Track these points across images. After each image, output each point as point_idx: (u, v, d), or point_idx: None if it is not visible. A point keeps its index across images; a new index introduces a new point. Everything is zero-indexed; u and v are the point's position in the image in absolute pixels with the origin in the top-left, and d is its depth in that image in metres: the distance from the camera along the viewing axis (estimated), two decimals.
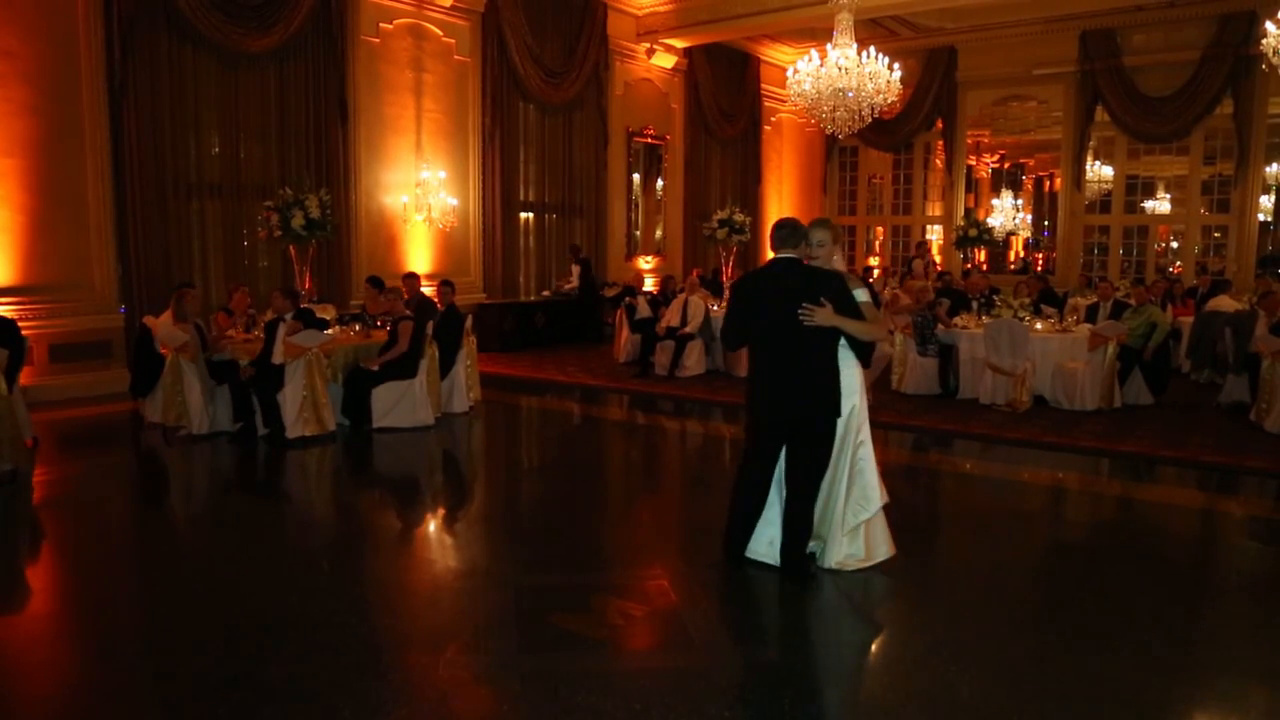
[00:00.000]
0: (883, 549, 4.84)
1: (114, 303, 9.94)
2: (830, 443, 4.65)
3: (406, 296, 9.27)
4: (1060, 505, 6.84)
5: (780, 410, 4.64)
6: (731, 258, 17.06)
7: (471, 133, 13.65)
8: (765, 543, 4.86)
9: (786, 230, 4.64)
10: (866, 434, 4.73)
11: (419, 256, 12.99)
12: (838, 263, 4.79)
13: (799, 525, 4.69)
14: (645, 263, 17.35)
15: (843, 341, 4.64)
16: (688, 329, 11.58)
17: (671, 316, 11.89)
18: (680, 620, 4.29)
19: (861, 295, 4.60)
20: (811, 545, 4.85)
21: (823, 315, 4.43)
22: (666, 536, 5.77)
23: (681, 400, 10.29)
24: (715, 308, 12.53)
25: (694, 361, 11.59)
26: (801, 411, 4.61)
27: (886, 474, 7.38)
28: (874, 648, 4.21)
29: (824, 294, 4.47)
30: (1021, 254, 21.84)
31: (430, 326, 8.79)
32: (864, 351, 4.66)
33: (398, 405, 8.38)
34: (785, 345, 4.57)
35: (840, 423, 4.66)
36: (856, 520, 4.72)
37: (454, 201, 13.19)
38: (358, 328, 9.31)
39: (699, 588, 4.70)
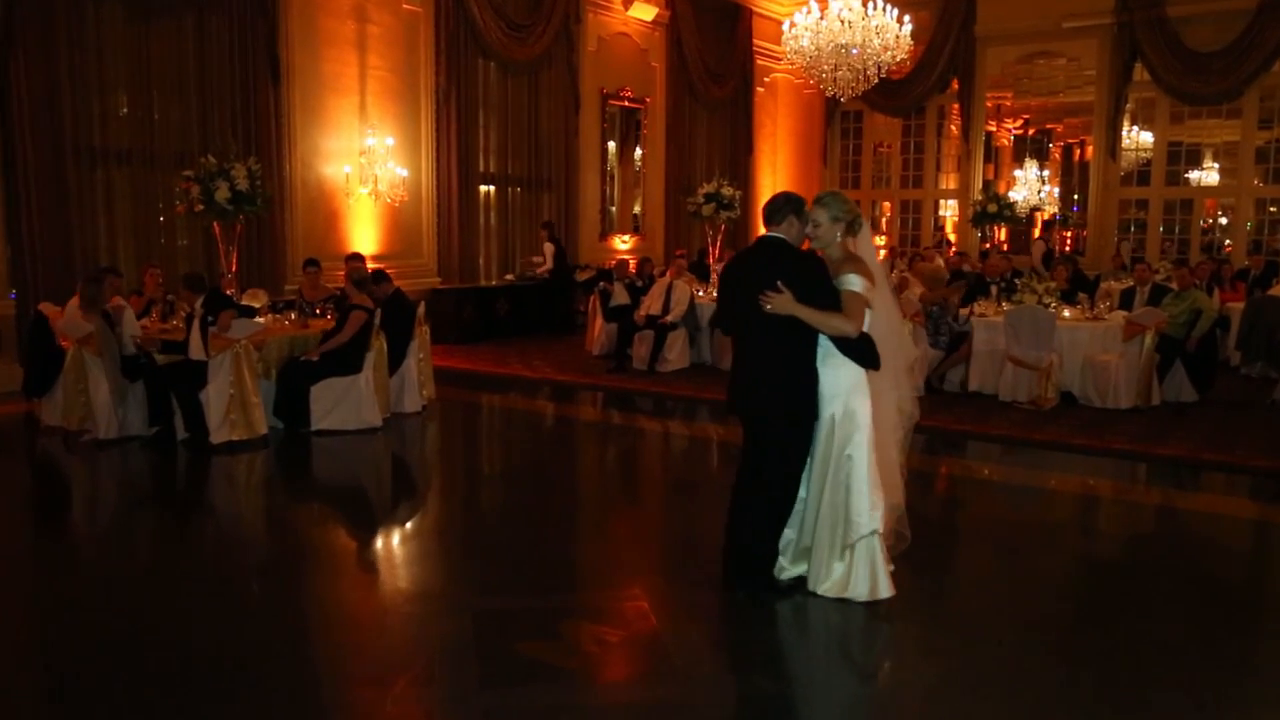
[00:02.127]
0: (881, 586, 4.67)
1: (3, 288, 9.79)
2: (792, 448, 4.64)
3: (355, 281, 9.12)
4: (1091, 516, 6.88)
5: (739, 404, 4.78)
6: (719, 237, 17.09)
7: (424, 94, 13.57)
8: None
9: (772, 206, 4.72)
10: (860, 447, 4.55)
11: (364, 235, 12.90)
12: (857, 245, 4.65)
13: (747, 534, 4.75)
14: (622, 242, 17.32)
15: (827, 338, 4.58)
16: (670, 317, 11.57)
17: (652, 303, 11.87)
18: (663, 647, 4.28)
19: (853, 284, 4.47)
20: (786, 567, 4.86)
21: (779, 303, 4.44)
22: (647, 552, 5.75)
23: (663, 398, 10.28)
24: (701, 293, 12.52)
25: (677, 354, 11.58)
26: (755, 408, 4.70)
27: None
28: (880, 677, 4.21)
29: (786, 278, 4.47)
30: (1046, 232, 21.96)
31: (377, 316, 8.73)
32: (855, 350, 4.51)
33: (339, 405, 8.32)
34: (750, 334, 4.69)
35: (822, 429, 4.59)
36: (843, 543, 4.63)
37: (404, 173, 13.11)
38: (294, 316, 9.23)
39: (684, 610, 4.69)
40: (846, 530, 4.60)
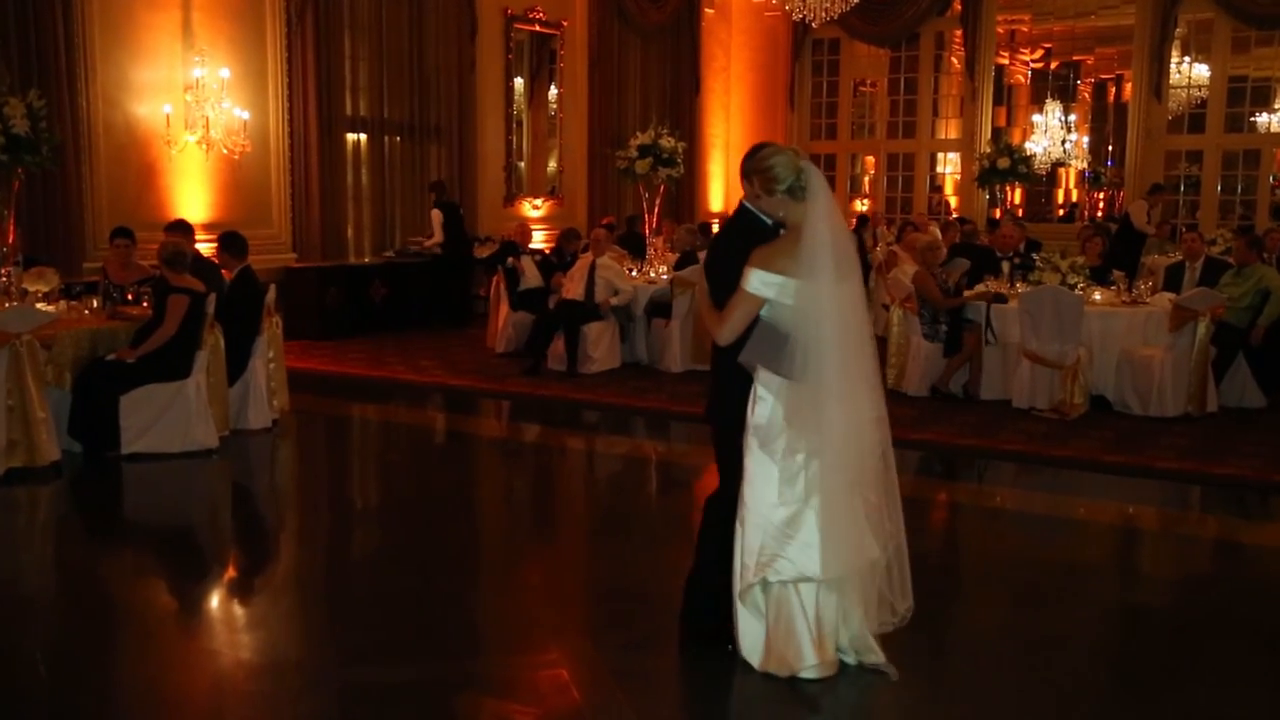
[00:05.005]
0: (800, 655, 4.55)
1: None
2: (726, 459, 4.77)
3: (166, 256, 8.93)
4: (1132, 554, 7.01)
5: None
6: (658, 201, 17.09)
7: (270, 11, 13.43)
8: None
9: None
10: (752, 469, 4.56)
11: (192, 197, 12.72)
12: (807, 216, 4.54)
13: (696, 569, 4.92)
14: (534, 208, 17.27)
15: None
16: (615, 301, 11.62)
17: (572, 286, 11.86)
18: None
19: (748, 280, 4.44)
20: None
21: (699, 291, 4.78)
22: (566, 605, 5.74)
23: (587, 407, 10.30)
24: (635, 273, 12.52)
25: (604, 351, 11.59)
26: (706, 408, 5.04)
27: None
28: None
29: (708, 260, 4.79)
30: (1074, 193, 22.32)
31: (212, 302, 8.60)
32: (745, 357, 4.59)
33: (161, 420, 8.19)
34: None
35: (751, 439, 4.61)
36: (737, 586, 4.61)
37: (244, 115, 12.93)
38: (96, 303, 9.06)
39: (612, 678, 4.67)
40: (741, 572, 4.57)
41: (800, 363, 4.45)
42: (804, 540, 4.50)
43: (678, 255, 12.51)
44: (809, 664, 4.52)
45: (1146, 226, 15.55)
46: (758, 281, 4.44)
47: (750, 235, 4.64)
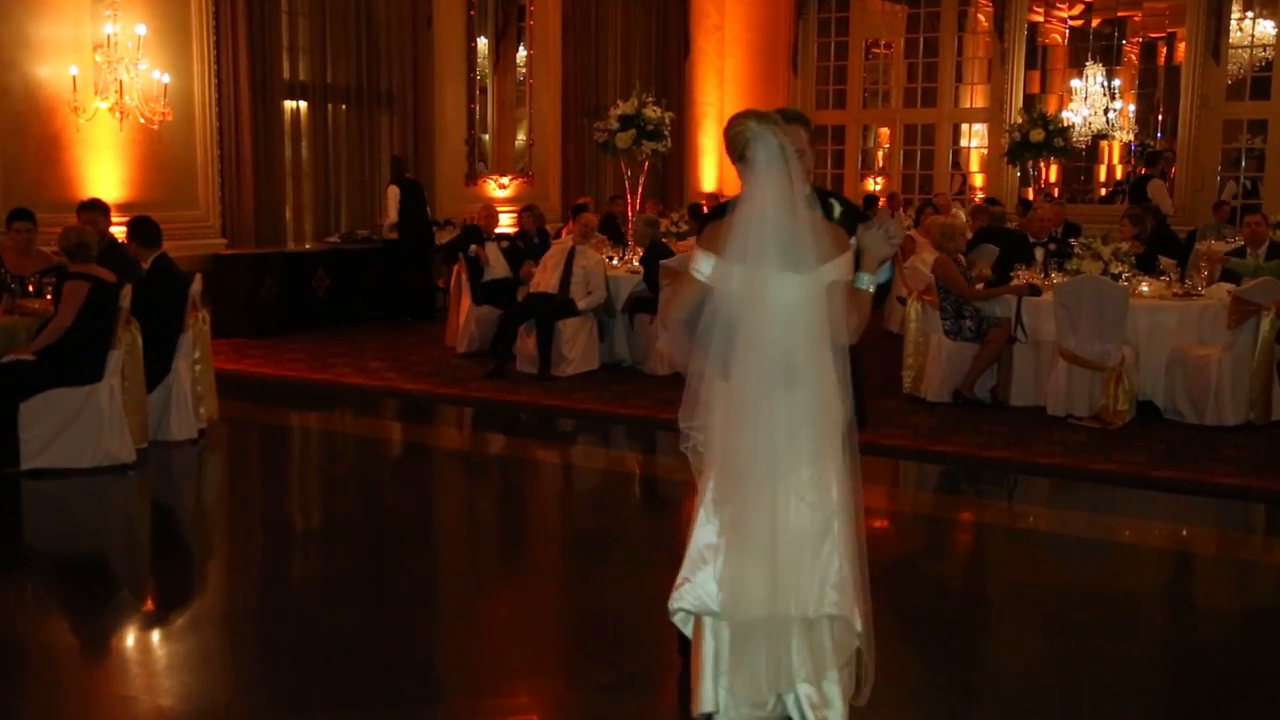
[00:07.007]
0: (697, 696, 4.48)
1: None
2: None
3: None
4: (1184, 583, 7.02)
5: None
6: (642, 180, 17.09)
7: None
8: None
9: None
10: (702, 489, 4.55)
11: (104, 173, 12.66)
12: (749, 185, 4.56)
13: None
14: (500, 187, 17.25)
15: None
16: (584, 304, 11.56)
17: (545, 277, 11.84)
18: None
19: (695, 262, 4.45)
20: None
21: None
22: (537, 642, 5.75)
23: (561, 414, 10.31)
24: (616, 260, 12.51)
25: (581, 351, 11.55)
26: None
27: (895, 530, 7.46)
28: None
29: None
30: (1119, 169, 22.36)
31: (127, 295, 8.58)
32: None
33: (68, 431, 8.14)
34: None
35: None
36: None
37: (165, 78, 12.87)
38: None
39: None
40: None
41: (716, 357, 4.33)
42: (715, 568, 4.42)
43: (642, 251, 12.26)
44: (704, 709, 4.42)
45: (1169, 207, 15.62)
46: (698, 262, 4.41)
47: (715, 211, 4.68)
